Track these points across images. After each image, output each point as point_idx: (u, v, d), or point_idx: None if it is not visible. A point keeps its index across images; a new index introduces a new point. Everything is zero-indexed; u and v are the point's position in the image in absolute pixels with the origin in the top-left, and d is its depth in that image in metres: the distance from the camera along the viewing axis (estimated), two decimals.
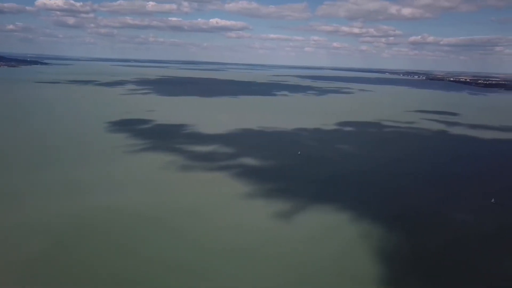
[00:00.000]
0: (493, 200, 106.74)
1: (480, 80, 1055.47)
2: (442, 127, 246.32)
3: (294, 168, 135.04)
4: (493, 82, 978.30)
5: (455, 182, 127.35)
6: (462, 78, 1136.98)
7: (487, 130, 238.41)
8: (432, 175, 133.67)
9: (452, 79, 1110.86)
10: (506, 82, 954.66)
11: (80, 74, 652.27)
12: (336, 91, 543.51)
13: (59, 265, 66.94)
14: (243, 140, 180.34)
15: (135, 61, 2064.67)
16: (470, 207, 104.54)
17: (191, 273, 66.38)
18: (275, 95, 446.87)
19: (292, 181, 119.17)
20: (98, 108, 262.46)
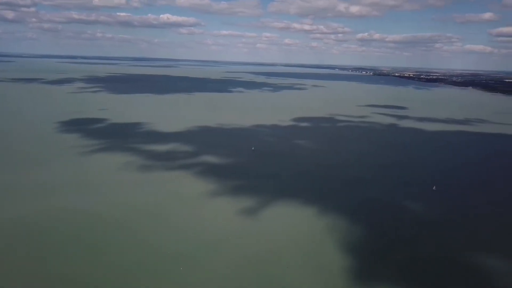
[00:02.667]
0: (434, 188, 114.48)
1: (422, 75, 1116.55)
2: (392, 120, 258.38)
3: (250, 165, 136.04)
4: (434, 77, 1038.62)
5: (404, 171, 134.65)
6: (406, 74, 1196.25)
7: (432, 123, 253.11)
8: (384, 166, 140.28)
9: (397, 74, 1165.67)
10: (445, 77, 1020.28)
11: (24, 72, 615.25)
12: (290, 87, 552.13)
13: (8, 267, 63.92)
14: (201, 137, 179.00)
15: (82, 57, 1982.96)
16: (416, 194, 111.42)
17: (150, 275, 65.18)
18: (230, 91, 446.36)
19: (250, 178, 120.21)
20: (46, 108, 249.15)
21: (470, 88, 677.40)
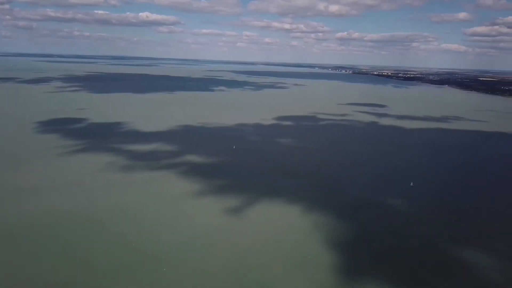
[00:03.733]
0: (411, 184, 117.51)
1: (400, 73, 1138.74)
2: (373, 118, 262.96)
3: (232, 164, 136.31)
4: (412, 75, 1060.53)
5: (384, 168, 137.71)
6: (385, 72, 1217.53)
7: (411, 120, 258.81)
8: (364, 163, 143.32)
9: (376, 73, 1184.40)
10: (422, 75, 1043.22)
11: None
12: (272, 86, 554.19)
13: None
14: (183, 137, 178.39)
15: (59, 56, 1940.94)
16: (395, 190, 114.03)
17: (133, 276, 65.02)
18: (212, 90, 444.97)
19: (233, 177, 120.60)
20: (23, 108, 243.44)
21: (446, 86, 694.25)
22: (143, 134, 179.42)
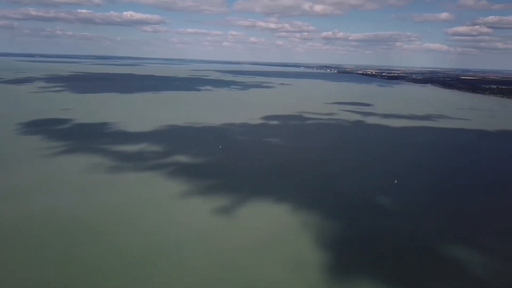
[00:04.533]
0: (396, 181, 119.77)
1: (384, 73, 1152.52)
2: (359, 117, 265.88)
3: (220, 164, 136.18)
4: (395, 74, 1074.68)
5: (369, 166, 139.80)
6: (369, 71, 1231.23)
7: (396, 119, 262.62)
8: (350, 161, 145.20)
9: (360, 72, 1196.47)
10: (406, 75, 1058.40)
11: None
12: (258, 85, 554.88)
13: None
14: (170, 137, 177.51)
15: (42, 56, 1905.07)
16: (379, 188, 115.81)
17: (120, 276, 64.81)
18: (198, 90, 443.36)
19: (221, 176, 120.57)
20: (6, 108, 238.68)
21: (429, 85, 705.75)
22: (129, 135, 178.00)
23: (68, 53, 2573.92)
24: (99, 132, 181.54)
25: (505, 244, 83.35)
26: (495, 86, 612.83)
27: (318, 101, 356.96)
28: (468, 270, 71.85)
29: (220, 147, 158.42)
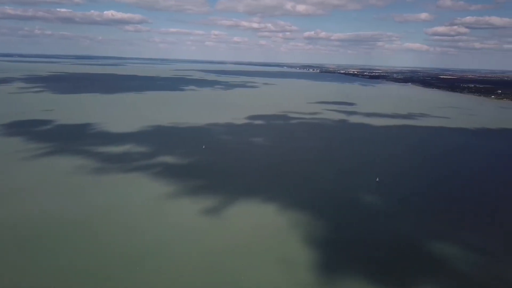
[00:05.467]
0: (377, 179, 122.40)
1: (366, 72, 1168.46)
2: (342, 116, 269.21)
3: (204, 164, 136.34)
4: (377, 73, 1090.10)
5: (353, 164, 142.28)
6: (351, 71, 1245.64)
7: (379, 117, 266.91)
8: (334, 160, 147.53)
9: (342, 71, 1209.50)
10: (387, 74, 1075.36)
11: None
12: (242, 85, 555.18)
13: None
14: (154, 137, 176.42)
15: (20, 55, 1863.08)
16: (362, 185, 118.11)
17: (105, 276, 64.74)
18: (182, 90, 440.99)
19: (206, 177, 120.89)
20: None
21: (409, 84, 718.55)
22: (113, 136, 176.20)
23: (48, 53, 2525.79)
24: (82, 134, 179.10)
25: (484, 239, 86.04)
26: (472, 85, 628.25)
27: (302, 100, 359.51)
28: (448, 264, 74.08)
29: (203, 147, 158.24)
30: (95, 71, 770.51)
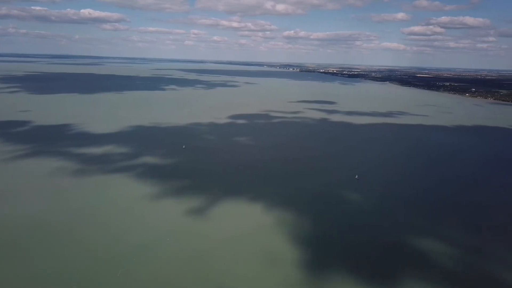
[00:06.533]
0: (356, 177, 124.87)
1: (345, 71, 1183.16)
2: (323, 115, 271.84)
3: (186, 164, 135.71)
4: (356, 72, 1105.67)
5: (333, 162, 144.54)
6: (330, 70, 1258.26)
7: (359, 116, 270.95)
8: (315, 158, 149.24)
9: (322, 70, 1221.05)
10: (365, 73, 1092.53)
11: None
12: (223, 84, 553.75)
13: None
14: (134, 138, 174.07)
15: None
16: (342, 183, 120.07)
17: (87, 280, 63.83)
18: (163, 89, 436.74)
19: (188, 176, 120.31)
20: None
21: (387, 83, 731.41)
22: (92, 136, 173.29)
23: (23, 52, 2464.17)
24: (61, 135, 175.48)
25: (465, 234, 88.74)
26: (448, 84, 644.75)
27: (284, 99, 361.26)
28: (430, 259, 76.18)
29: (183, 147, 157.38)
30: (72, 71, 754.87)
